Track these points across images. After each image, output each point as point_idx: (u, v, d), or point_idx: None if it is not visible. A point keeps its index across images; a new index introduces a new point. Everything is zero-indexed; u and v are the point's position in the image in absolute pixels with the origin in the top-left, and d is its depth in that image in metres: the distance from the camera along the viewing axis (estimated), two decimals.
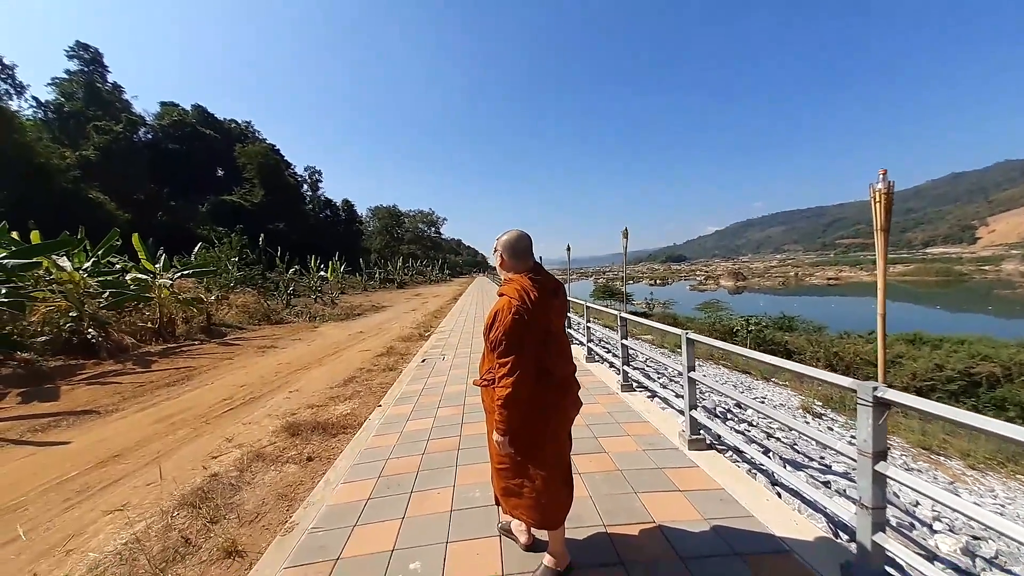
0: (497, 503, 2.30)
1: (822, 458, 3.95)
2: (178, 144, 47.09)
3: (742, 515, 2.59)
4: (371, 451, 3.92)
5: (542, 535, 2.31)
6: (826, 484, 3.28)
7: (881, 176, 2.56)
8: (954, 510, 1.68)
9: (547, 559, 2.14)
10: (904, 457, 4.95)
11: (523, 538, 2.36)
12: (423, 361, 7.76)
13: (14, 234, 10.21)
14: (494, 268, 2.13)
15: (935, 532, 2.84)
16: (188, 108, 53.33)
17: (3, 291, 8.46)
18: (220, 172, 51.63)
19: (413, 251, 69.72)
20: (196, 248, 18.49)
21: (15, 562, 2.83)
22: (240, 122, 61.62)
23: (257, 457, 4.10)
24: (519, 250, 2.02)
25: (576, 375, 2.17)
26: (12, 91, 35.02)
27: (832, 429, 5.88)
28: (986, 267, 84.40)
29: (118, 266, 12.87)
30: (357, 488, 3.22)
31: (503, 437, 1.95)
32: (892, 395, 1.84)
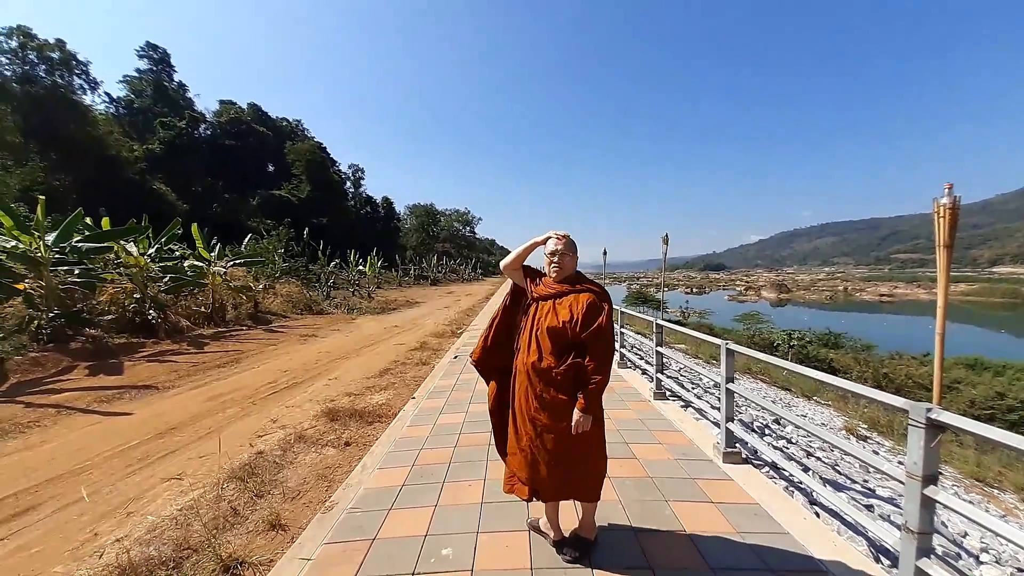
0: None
1: (865, 481, 3.78)
2: (234, 140, 49.62)
3: (777, 531, 2.54)
4: (405, 440, 4.05)
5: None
6: (868, 508, 3.15)
7: (947, 190, 2.44)
8: (1003, 538, 1.60)
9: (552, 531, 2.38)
10: (956, 488, 4.66)
11: (552, 534, 2.41)
12: (455, 357, 7.91)
13: (87, 220, 11.09)
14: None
15: (981, 563, 2.69)
16: (244, 106, 56.17)
17: (76, 272, 9.22)
18: (271, 168, 54.04)
19: (447, 249, 70.61)
20: (246, 239, 19.47)
21: (77, 522, 3.07)
22: (291, 120, 64.34)
23: (299, 439, 4.31)
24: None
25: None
26: (86, 86, 37.73)
27: (878, 453, 5.60)
28: None
29: (177, 253, 13.72)
30: (392, 474, 3.35)
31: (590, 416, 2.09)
32: (947, 417, 1.77)
